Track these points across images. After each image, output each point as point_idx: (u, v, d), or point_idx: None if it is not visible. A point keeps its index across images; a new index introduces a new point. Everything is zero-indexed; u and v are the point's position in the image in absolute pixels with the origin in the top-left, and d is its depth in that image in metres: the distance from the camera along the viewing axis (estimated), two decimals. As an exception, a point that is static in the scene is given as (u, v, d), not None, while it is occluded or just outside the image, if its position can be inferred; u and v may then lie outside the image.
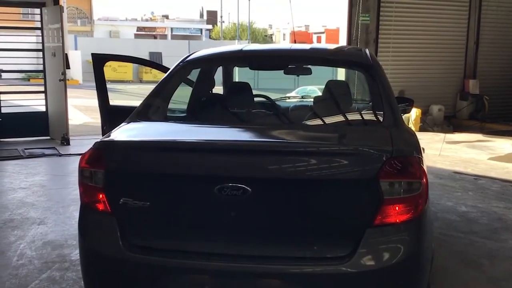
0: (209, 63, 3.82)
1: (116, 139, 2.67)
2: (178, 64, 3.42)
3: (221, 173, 2.37)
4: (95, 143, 2.60)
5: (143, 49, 30.73)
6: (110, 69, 26.72)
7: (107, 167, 2.48)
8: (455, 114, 12.36)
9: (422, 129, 10.89)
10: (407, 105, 3.92)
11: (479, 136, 10.72)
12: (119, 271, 2.49)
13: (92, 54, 4.79)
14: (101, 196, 2.50)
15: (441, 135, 10.71)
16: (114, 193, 2.48)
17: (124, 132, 2.77)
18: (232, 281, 2.40)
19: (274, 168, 2.37)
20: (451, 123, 11.94)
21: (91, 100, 14.11)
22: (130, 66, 30.40)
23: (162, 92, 3.22)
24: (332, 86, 3.70)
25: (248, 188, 2.30)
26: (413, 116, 10.61)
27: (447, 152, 8.90)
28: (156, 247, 2.46)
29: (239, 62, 3.85)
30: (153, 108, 3.10)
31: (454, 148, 9.48)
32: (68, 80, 9.25)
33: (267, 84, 17.50)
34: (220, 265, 2.35)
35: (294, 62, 3.60)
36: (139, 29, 48.32)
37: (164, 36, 47.92)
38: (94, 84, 4.76)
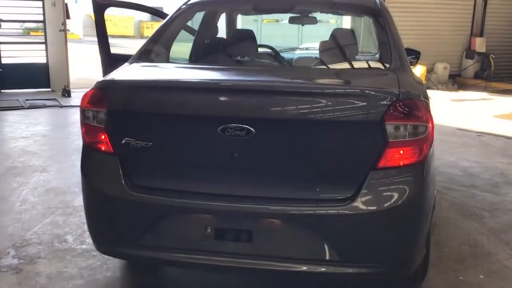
0: (212, 5, 3.73)
1: (118, 78, 2.62)
2: (181, 7, 3.34)
3: (224, 113, 2.33)
4: (97, 82, 2.55)
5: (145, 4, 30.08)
6: (111, 24, 26.27)
7: (110, 107, 2.44)
8: (460, 73, 12.23)
9: (427, 87, 10.77)
10: (414, 58, 3.85)
11: (483, 95, 10.64)
12: (122, 210, 2.48)
13: (93, 0, 4.67)
14: (103, 136, 2.48)
15: (446, 92, 10.64)
16: (117, 133, 2.45)
17: (126, 72, 2.72)
18: (234, 221, 2.40)
19: (278, 109, 2.33)
20: (455, 81, 11.83)
21: (92, 55, 13.94)
22: (131, 20, 29.94)
23: (165, 35, 3.14)
24: (338, 34, 3.62)
25: (252, 129, 2.27)
26: (418, 73, 10.49)
27: (450, 109, 8.85)
28: (159, 186, 2.44)
29: (243, 3, 3.75)
30: (156, 50, 3.04)
31: (458, 105, 9.43)
32: (68, 30, 9.09)
33: (268, 42, 17.17)
34: (223, 205, 2.35)
35: (300, 4, 3.50)
36: (139, -16, 47.29)
37: (165, -8, 47.00)
38: (95, 39, 4.67)
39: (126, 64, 2.84)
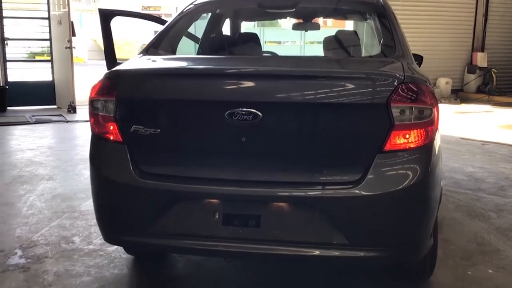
0: (218, 5, 3.80)
1: (126, 68, 2.66)
2: (185, 7, 3.40)
3: (232, 98, 2.36)
4: (105, 73, 2.59)
5: (148, 27, 30.51)
6: (116, 47, 26.54)
7: (118, 96, 2.47)
8: (462, 88, 12.29)
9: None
10: (417, 63, 3.88)
11: (487, 107, 10.70)
12: (131, 198, 2.49)
13: (99, 9, 4.78)
14: (112, 126, 2.50)
15: (449, 106, 10.69)
16: (125, 121, 2.47)
17: (134, 63, 2.77)
18: (242, 206, 2.41)
19: (285, 93, 2.35)
20: (458, 96, 11.89)
21: (98, 77, 14.13)
22: (134, 44, 30.40)
23: (172, 32, 3.20)
24: (341, 35, 3.67)
25: (259, 113, 2.28)
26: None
27: (454, 121, 8.89)
28: (167, 173, 2.46)
29: (247, 3, 3.82)
30: (163, 45, 3.08)
31: (461, 117, 9.47)
32: (74, 48, 9.22)
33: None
34: (231, 190, 2.36)
35: (304, 2, 3.56)
36: (144, 8, 48.06)
37: (169, 15, 47.71)
38: (99, 62, 4.77)
39: (136, 57, 2.89)
